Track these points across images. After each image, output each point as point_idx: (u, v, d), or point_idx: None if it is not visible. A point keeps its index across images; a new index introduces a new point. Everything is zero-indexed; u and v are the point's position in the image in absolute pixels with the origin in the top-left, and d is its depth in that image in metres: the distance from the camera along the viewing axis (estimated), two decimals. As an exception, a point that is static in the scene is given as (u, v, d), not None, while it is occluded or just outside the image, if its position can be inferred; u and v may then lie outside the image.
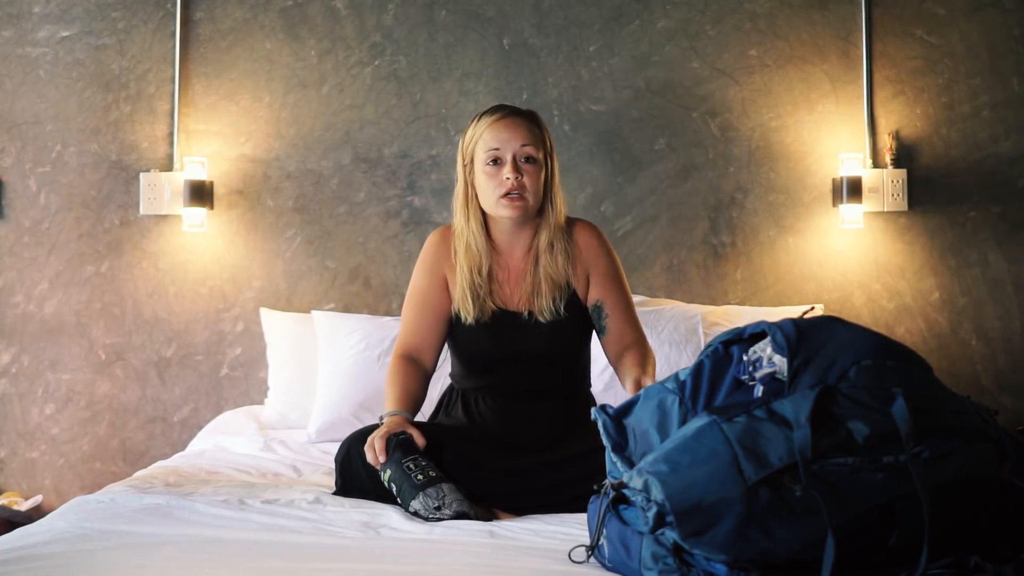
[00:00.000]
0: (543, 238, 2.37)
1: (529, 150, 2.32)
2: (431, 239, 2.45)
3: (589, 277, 2.39)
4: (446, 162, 3.29)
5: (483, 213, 2.38)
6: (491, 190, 2.32)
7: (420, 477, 2.04)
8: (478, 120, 2.37)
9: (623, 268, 2.46)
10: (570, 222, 2.44)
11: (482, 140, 2.34)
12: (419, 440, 2.14)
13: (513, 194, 2.31)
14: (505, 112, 2.36)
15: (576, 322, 2.37)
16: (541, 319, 2.33)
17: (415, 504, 2.01)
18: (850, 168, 3.22)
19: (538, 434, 2.29)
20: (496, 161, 2.32)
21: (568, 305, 2.35)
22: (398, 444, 2.12)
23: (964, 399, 1.62)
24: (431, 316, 2.39)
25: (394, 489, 2.06)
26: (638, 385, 2.19)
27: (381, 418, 2.25)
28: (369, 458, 2.13)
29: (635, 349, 2.35)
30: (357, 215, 3.31)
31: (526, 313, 2.35)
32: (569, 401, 2.36)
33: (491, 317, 2.34)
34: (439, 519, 1.98)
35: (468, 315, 2.34)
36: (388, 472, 2.08)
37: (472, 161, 2.36)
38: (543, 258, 2.36)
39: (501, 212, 2.33)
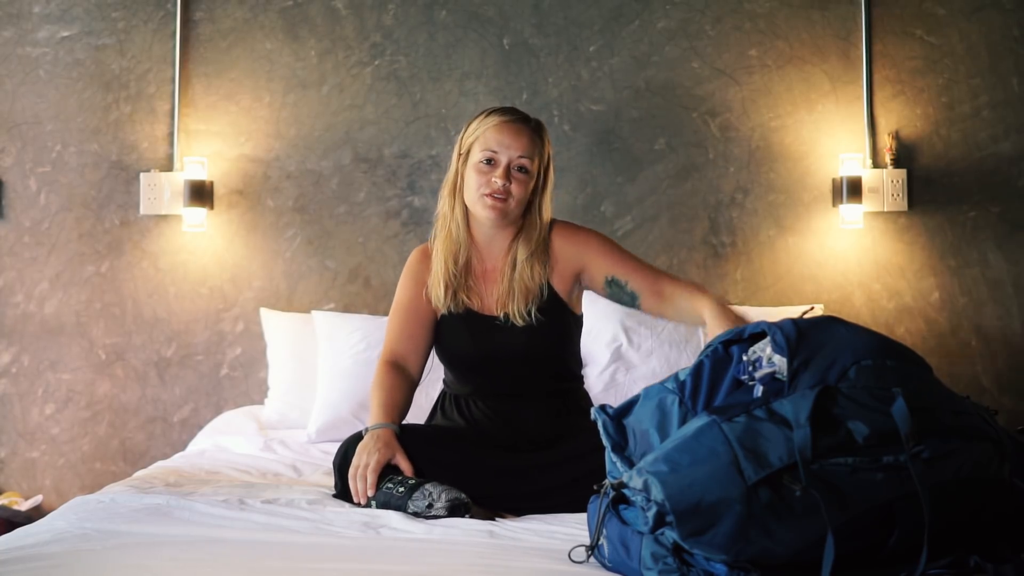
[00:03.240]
0: (522, 248, 2.36)
1: (524, 161, 2.32)
2: (413, 256, 2.47)
3: (584, 269, 2.38)
4: (446, 162, 3.28)
5: (465, 206, 2.39)
6: (477, 187, 2.33)
7: (402, 490, 2.05)
8: (485, 116, 2.37)
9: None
10: (550, 227, 2.42)
11: (483, 138, 2.34)
12: (407, 469, 2.13)
13: (497, 196, 2.31)
14: (514, 117, 2.36)
15: (553, 324, 2.35)
16: (515, 323, 2.33)
17: (411, 509, 2.02)
18: (850, 168, 3.22)
19: (532, 434, 2.29)
20: (491, 162, 2.33)
21: (543, 309, 2.34)
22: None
23: (964, 399, 1.62)
24: (416, 322, 2.39)
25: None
26: (717, 304, 2.22)
27: (366, 430, 2.23)
28: (358, 493, 2.11)
29: (677, 286, 2.32)
30: (357, 215, 3.32)
31: (501, 315, 2.35)
32: (560, 399, 2.36)
33: (466, 312, 2.35)
34: (437, 516, 1.98)
35: (439, 302, 2.35)
36: (374, 503, 2.09)
37: (467, 154, 2.37)
38: (519, 265, 2.36)
39: (480, 210, 2.34)
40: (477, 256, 2.40)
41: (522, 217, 2.38)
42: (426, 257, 2.44)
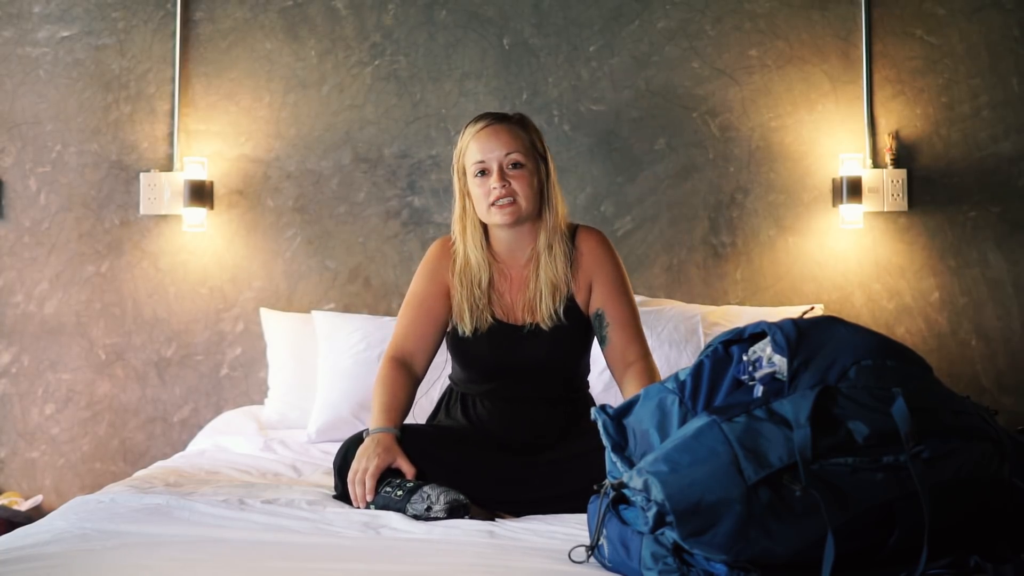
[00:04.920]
0: (542, 239, 2.36)
1: (515, 156, 2.31)
2: (434, 247, 2.44)
3: (592, 285, 2.37)
4: (446, 162, 3.29)
5: (483, 223, 2.38)
6: (482, 199, 2.32)
7: (400, 493, 2.06)
8: (464, 131, 2.37)
9: (629, 281, 2.43)
10: (575, 228, 2.43)
11: (469, 151, 2.34)
12: (408, 471, 2.12)
13: (502, 201, 2.30)
14: (489, 121, 2.35)
15: (575, 331, 2.36)
16: (543, 326, 2.32)
17: (410, 511, 2.02)
18: (850, 168, 3.22)
19: (536, 437, 2.29)
20: (484, 172, 2.32)
21: (567, 312, 2.34)
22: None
23: (964, 399, 1.62)
24: (428, 322, 2.38)
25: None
26: None
27: (367, 432, 2.22)
28: (356, 497, 2.11)
29: (639, 366, 2.32)
30: (357, 215, 3.31)
31: (527, 324, 2.34)
32: (568, 406, 2.36)
33: (489, 328, 2.33)
34: (437, 518, 1.98)
35: (466, 328, 2.34)
36: (372, 507, 2.09)
37: (464, 173, 2.36)
38: (543, 259, 2.35)
39: (494, 220, 2.33)
40: (500, 271, 2.38)
41: (537, 217, 2.38)
42: (446, 252, 2.41)
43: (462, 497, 2.02)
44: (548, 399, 2.34)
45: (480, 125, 2.34)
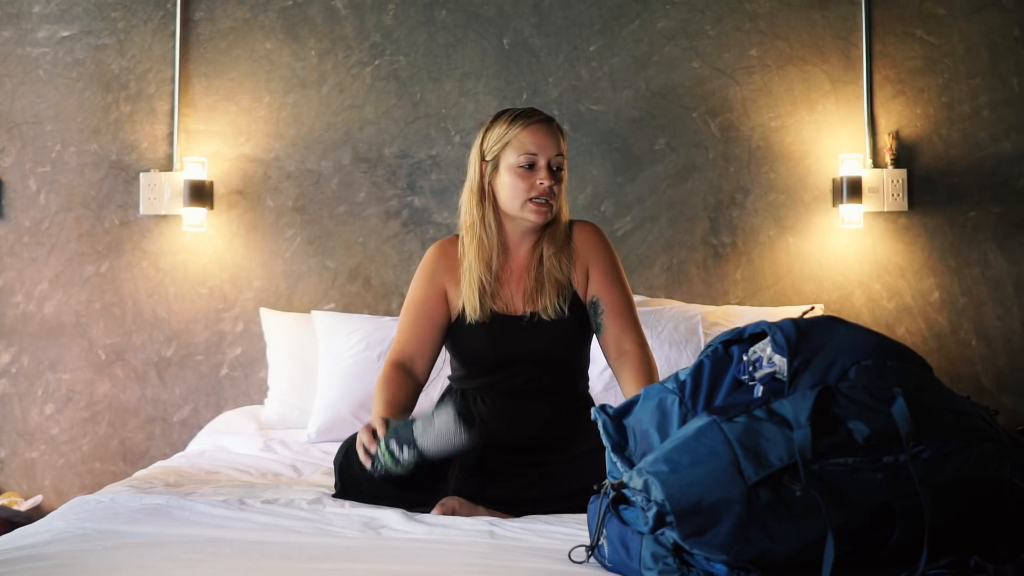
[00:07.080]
0: (548, 245, 2.37)
1: (561, 159, 2.35)
2: (432, 251, 2.44)
3: (588, 273, 2.39)
4: (446, 162, 3.29)
5: (496, 211, 2.38)
6: (520, 192, 2.32)
7: (404, 423, 2.08)
8: (510, 120, 2.35)
9: (624, 271, 2.45)
10: (570, 223, 2.44)
11: (517, 141, 2.32)
12: None
13: (541, 199, 2.31)
14: (540, 117, 2.36)
15: (576, 323, 2.37)
16: (545, 317, 2.33)
17: (418, 434, 2.04)
18: (850, 168, 3.22)
19: (536, 433, 2.29)
20: (532, 165, 2.32)
21: (570, 305, 2.35)
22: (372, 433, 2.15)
23: (964, 399, 1.62)
24: (428, 325, 2.38)
25: (393, 456, 2.06)
26: None
27: None
28: (362, 456, 2.11)
29: (635, 355, 2.32)
30: (357, 215, 3.32)
31: (527, 314, 2.35)
32: (568, 401, 2.36)
33: (490, 318, 2.34)
34: (445, 427, 2.03)
35: (473, 312, 2.33)
36: (382, 457, 2.07)
37: (496, 159, 2.35)
38: (547, 260, 2.36)
39: (527, 215, 2.33)
40: (503, 258, 2.39)
41: None
42: (445, 255, 2.41)
43: (464, 414, 2.06)
44: (546, 393, 2.34)
45: (533, 119, 2.35)
